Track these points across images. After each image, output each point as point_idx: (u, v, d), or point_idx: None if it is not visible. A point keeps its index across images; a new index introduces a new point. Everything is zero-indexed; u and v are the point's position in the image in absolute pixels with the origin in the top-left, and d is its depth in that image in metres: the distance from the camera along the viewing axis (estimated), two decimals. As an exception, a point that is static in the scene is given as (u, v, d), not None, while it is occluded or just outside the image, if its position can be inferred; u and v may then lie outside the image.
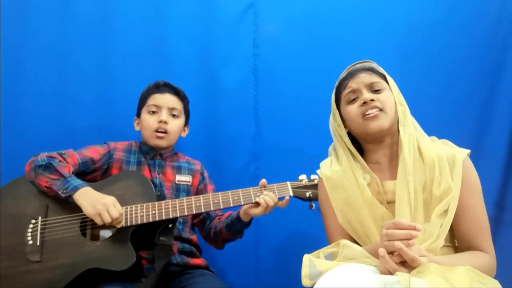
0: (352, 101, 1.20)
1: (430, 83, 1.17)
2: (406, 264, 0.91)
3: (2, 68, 1.77)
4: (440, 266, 0.91)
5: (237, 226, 1.47)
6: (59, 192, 1.35)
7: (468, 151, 1.15)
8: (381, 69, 1.24)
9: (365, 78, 1.19)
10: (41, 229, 1.37)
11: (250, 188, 1.41)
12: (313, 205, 1.42)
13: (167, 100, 1.57)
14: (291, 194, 1.41)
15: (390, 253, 0.92)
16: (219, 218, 1.56)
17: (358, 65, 1.25)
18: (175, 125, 1.58)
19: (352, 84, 1.20)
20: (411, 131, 1.16)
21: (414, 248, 0.91)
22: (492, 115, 1.78)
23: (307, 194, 1.42)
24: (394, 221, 0.94)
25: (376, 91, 1.18)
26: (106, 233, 1.37)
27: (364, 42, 1.83)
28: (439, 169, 1.09)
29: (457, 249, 1.12)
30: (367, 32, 1.85)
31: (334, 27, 1.88)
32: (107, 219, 1.31)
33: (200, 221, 1.60)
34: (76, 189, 1.35)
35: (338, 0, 1.89)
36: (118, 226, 1.35)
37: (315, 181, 1.43)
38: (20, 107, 1.78)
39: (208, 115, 1.85)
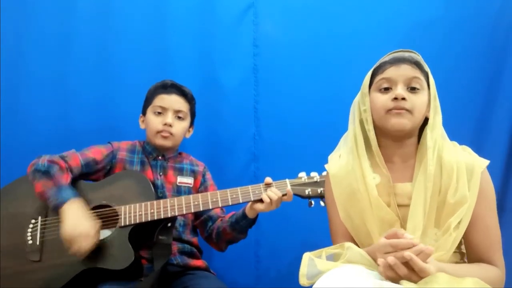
0: (384, 90, 1.11)
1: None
2: (414, 272, 0.89)
3: (2, 68, 1.77)
4: (448, 277, 0.89)
5: (242, 224, 1.44)
6: (48, 201, 1.33)
7: (487, 162, 1.09)
8: (426, 66, 1.13)
9: (408, 71, 1.09)
10: (41, 228, 1.37)
11: (249, 186, 1.40)
12: (313, 202, 1.40)
13: (173, 101, 1.54)
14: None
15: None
16: (221, 219, 1.54)
17: (405, 54, 1.13)
18: (180, 127, 1.55)
19: (392, 72, 1.10)
20: (437, 137, 1.10)
21: (422, 255, 0.89)
22: (492, 115, 1.78)
23: (306, 192, 1.40)
24: (390, 242, 0.91)
25: (412, 90, 1.09)
26: (105, 233, 1.37)
27: (364, 42, 1.83)
28: (456, 176, 1.05)
29: (463, 255, 1.10)
30: (367, 32, 1.85)
31: (334, 27, 1.88)
32: (73, 250, 1.27)
33: (201, 222, 1.57)
34: (62, 203, 1.30)
35: (338, 0, 1.89)
36: (78, 258, 1.29)
37: (315, 179, 1.41)
38: (21, 106, 1.78)
39: (208, 115, 1.84)
